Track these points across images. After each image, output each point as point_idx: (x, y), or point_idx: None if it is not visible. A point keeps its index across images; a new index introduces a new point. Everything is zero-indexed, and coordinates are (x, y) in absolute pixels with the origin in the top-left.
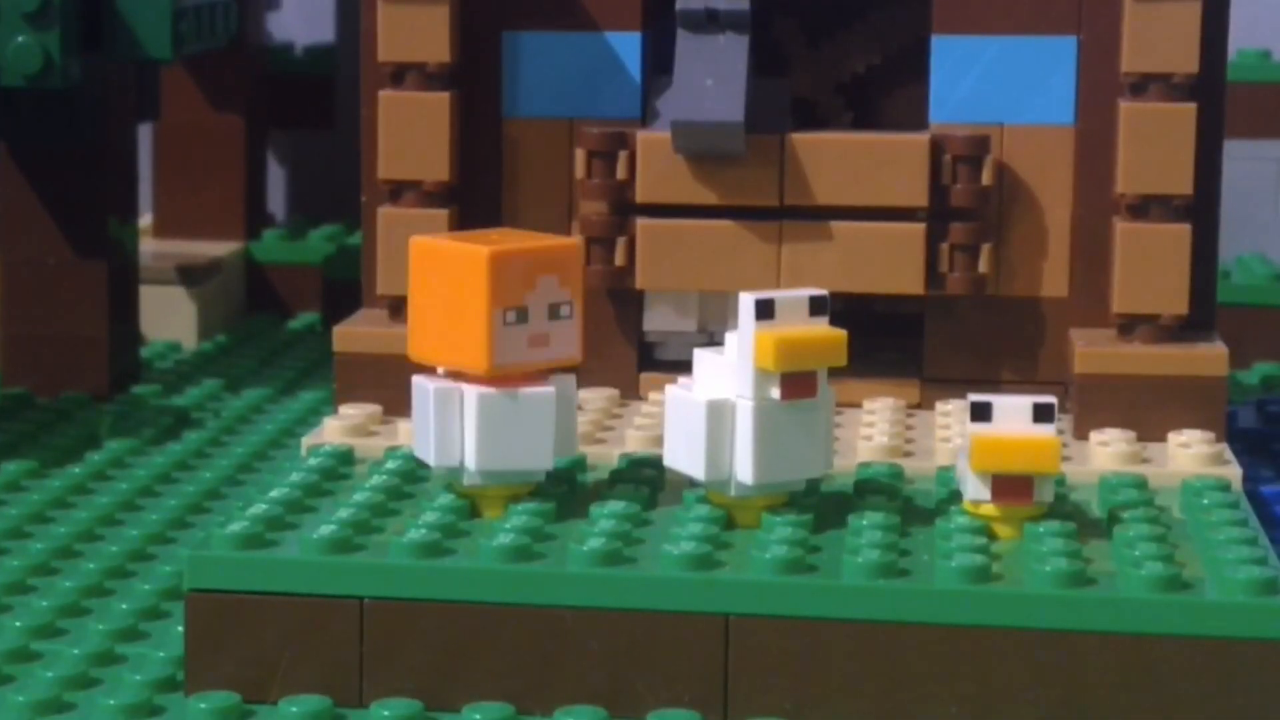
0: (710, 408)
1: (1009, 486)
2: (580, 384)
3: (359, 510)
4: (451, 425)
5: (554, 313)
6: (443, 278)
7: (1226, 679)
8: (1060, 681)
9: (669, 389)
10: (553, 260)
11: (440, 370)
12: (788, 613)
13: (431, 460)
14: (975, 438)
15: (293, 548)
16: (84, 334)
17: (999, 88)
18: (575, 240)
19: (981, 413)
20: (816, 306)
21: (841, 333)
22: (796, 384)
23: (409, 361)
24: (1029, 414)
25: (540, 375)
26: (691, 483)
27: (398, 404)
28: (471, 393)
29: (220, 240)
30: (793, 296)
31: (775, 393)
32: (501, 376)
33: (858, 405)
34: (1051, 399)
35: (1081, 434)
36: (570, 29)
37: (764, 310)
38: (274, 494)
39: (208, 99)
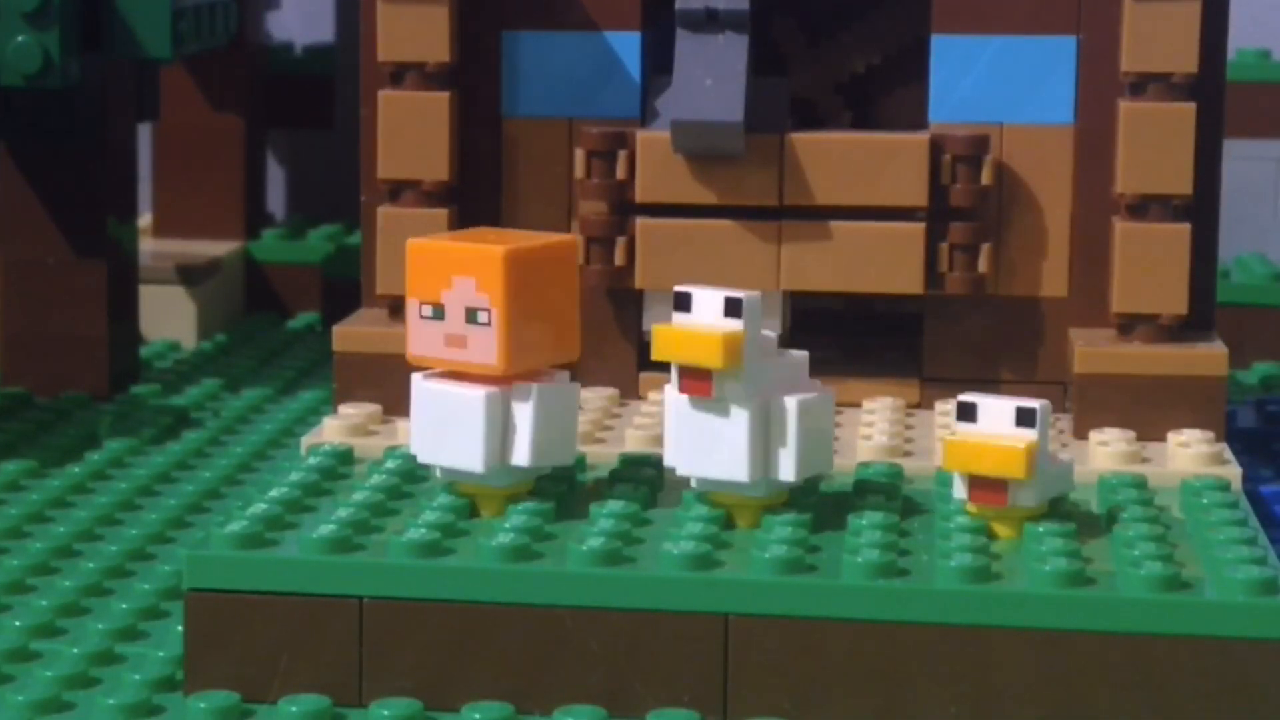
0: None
1: (984, 487)
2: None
3: (358, 510)
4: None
5: (471, 317)
6: None
7: (1226, 679)
8: (1060, 681)
9: None
10: (470, 263)
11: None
12: (787, 613)
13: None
14: (947, 439)
15: (292, 547)
16: (84, 334)
17: (998, 87)
18: (499, 249)
19: (967, 413)
20: (731, 308)
21: (714, 335)
22: (691, 379)
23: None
24: (1013, 417)
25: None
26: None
27: (397, 404)
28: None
29: (220, 240)
30: (711, 294)
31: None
32: (454, 372)
33: (858, 405)
34: (1036, 404)
35: (1081, 434)
36: (570, 29)
37: (681, 303)
38: (273, 494)
39: (208, 99)
